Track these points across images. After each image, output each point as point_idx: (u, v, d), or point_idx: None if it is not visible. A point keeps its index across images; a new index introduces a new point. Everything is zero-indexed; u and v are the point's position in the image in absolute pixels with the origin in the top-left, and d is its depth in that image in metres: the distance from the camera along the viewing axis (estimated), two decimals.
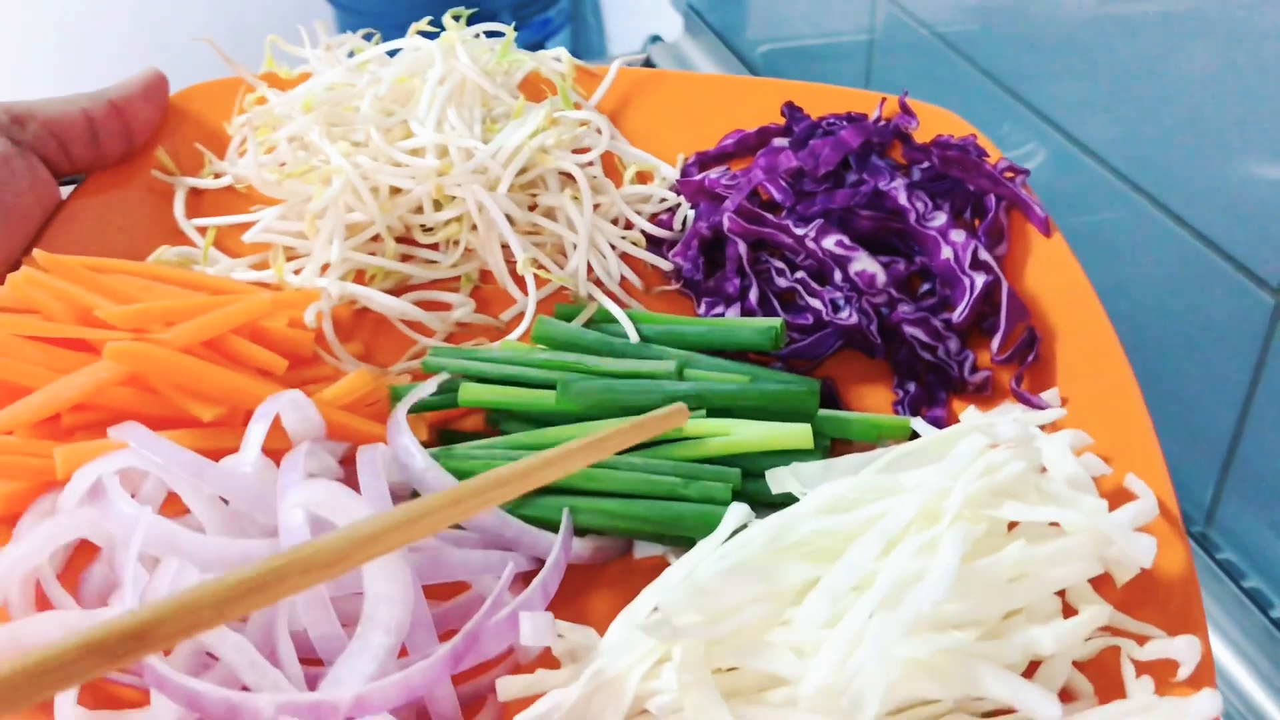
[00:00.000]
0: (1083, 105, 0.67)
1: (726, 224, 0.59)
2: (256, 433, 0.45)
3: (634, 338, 0.56)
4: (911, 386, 0.55)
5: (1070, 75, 0.67)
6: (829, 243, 0.57)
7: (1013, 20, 0.71)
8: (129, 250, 0.59)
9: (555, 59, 0.68)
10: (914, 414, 0.54)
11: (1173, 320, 0.64)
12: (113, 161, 0.62)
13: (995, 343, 0.55)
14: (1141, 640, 0.43)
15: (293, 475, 0.42)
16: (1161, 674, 0.42)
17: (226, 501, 0.44)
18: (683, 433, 0.50)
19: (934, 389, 0.55)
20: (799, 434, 0.49)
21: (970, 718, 0.41)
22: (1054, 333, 0.55)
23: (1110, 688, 0.43)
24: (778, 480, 0.48)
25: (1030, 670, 0.43)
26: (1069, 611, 0.44)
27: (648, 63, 1.17)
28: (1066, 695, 0.42)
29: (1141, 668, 0.43)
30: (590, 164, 0.63)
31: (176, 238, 0.61)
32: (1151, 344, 0.66)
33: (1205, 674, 0.42)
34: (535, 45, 1.61)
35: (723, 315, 0.58)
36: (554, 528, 0.47)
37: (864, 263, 0.56)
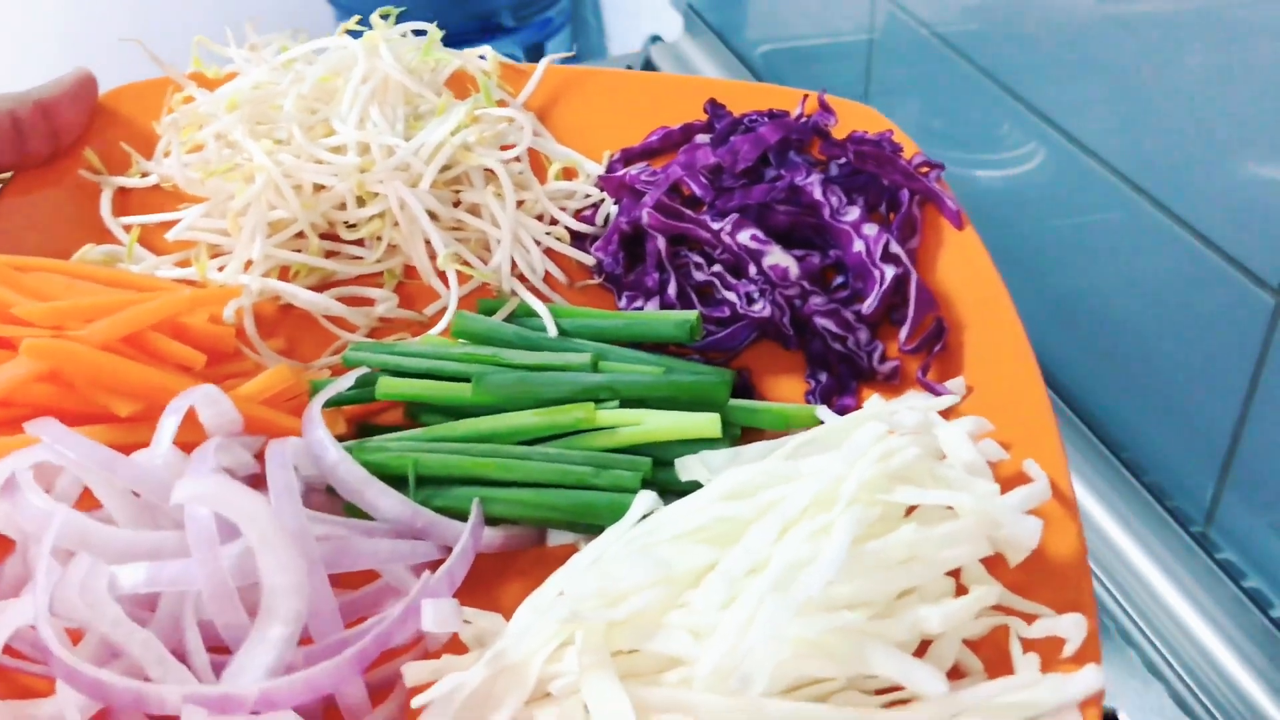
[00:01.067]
0: (1083, 105, 0.67)
1: (645, 219, 0.60)
2: (168, 426, 0.46)
3: (553, 331, 0.57)
4: (823, 376, 0.56)
5: (1070, 75, 0.67)
6: (744, 237, 0.58)
7: (1013, 20, 0.71)
8: (54, 249, 0.60)
9: (480, 56, 0.68)
10: (825, 403, 0.55)
11: (1173, 320, 0.64)
12: (39, 161, 0.63)
13: (904, 333, 0.56)
14: (1030, 619, 0.44)
15: (200, 469, 0.43)
16: (1051, 652, 0.44)
17: (139, 495, 0.45)
18: (595, 423, 0.51)
19: (845, 379, 0.56)
20: (707, 423, 0.50)
21: (862, 695, 0.42)
22: (963, 324, 0.57)
23: (1002, 665, 0.44)
24: (686, 468, 0.49)
25: (924, 649, 0.44)
26: (963, 592, 0.45)
27: (648, 63, 1.17)
28: (957, 673, 0.44)
29: (1031, 645, 0.44)
30: (514, 160, 0.64)
31: (103, 236, 0.62)
32: (1151, 344, 0.66)
33: (1090, 650, 0.43)
34: (535, 45, 1.63)
35: (642, 309, 0.59)
36: (466, 517, 0.48)
37: (777, 256, 0.58)
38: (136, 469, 0.44)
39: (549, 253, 0.62)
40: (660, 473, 0.50)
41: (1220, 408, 0.61)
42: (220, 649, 0.43)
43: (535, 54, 1.61)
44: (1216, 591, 0.63)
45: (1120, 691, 0.59)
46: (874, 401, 0.52)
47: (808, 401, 0.56)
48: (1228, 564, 0.63)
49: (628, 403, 0.52)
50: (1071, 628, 0.43)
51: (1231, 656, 0.61)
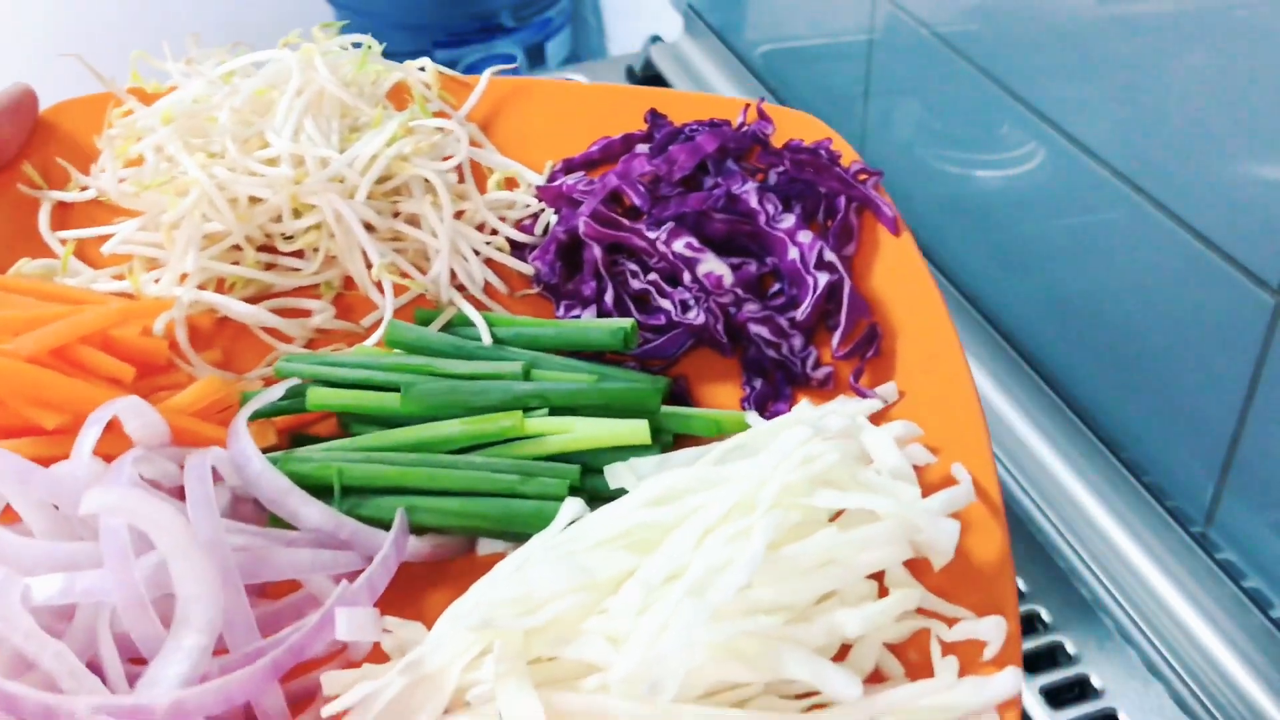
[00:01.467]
0: (1083, 105, 0.67)
1: (582, 228, 0.60)
2: (89, 437, 0.46)
3: (487, 340, 0.57)
4: (758, 383, 0.56)
5: (1070, 75, 0.67)
6: (679, 245, 0.58)
7: (1013, 20, 0.71)
8: None
9: (420, 68, 0.69)
10: (760, 409, 0.55)
11: (1173, 320, 0.63)
12: None
13: (836, 338, 0.56)
14: (951, 622, 0.44)
15: (115, 479, 0.43)
16: (973, 655, 0.44)
17: (58, 508, 0.45)
18: (524, 431, 0.51)
19: (779, 385, 0.56)
20: (636, 430, 0.50)
21: (782, 699, 0.42)
22: (896, 330, 0.57)
23: (925, 669, 0.44)
24: (615, 476, 0.49)
25: (846, 653, 0.44)
26: (887, 595, 0.45)
27: (648, 63, 1.17)
28: (879, 676, 0.44)
29: (952, 649, 0.44)
30: (453, 171, 0.64)
31: (41, 251, 0.62)
32: (1151, 344, 0.65)
33: (1010, 653, 0.43)
34: (536, 46, 1.62)
35: (579, 317, 0.59)
36: (390, 527, 0.48)
37: (711, 264, 0.58)
38: (51, 480, 0.44)
39: (489, 263, 0.63)
40: (591, 480, 0.50)
41: (1220, 408, 0.61)
42: (139, 661, 0.43)
43: (535, 54, 1.63)
44: (1216, 591, 0.63)
45: (1120, 691, 0.59)
46: (803, 406, 0.52)
47: (743, 408, 0.56)
48: (1228, 564, 0.63)
49: (559, 411, 0.52)
50: (992, 630, 0.43)
51: (1231, 656, 0.61)
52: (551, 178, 0.66)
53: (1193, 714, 0.59)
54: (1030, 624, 0.63)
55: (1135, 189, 0.63)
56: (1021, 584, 0.64)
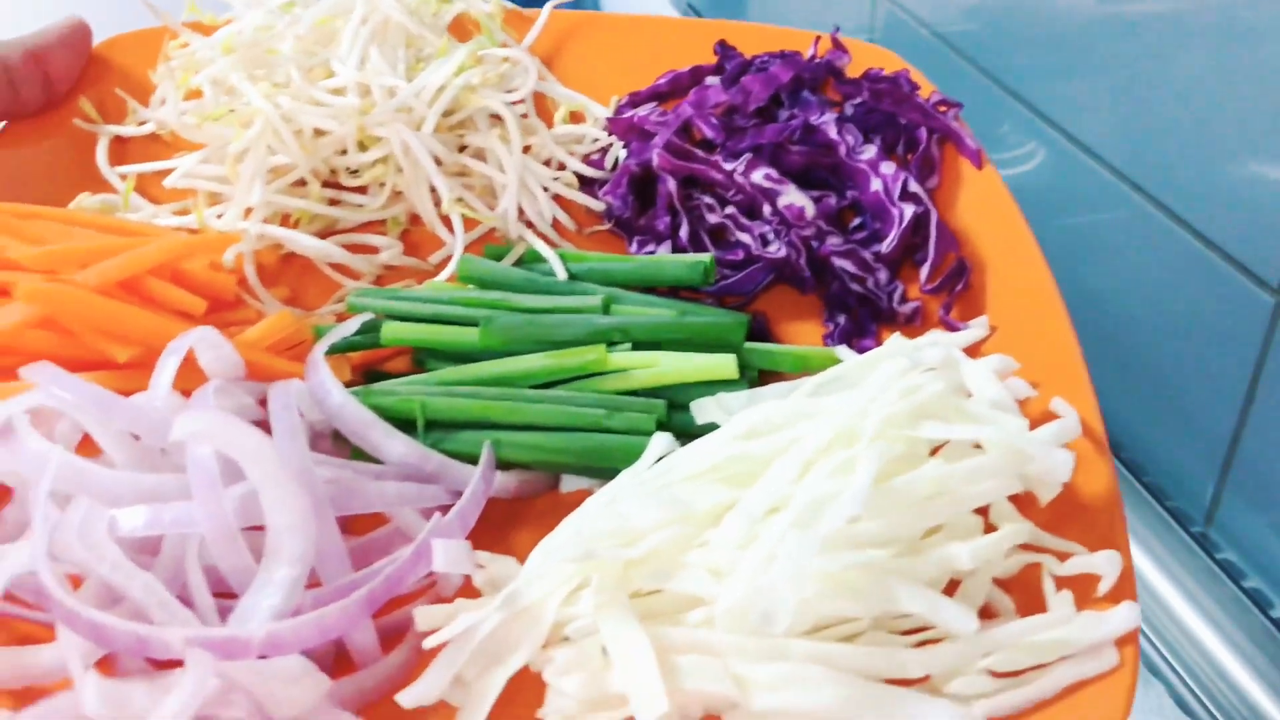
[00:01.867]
0: (1083, 105, 0.67)
1: (656, 160, 0.58)
2: (168, 367, 0.44)
3: (561, 275, 0.55)
4: (842, 319, 0.55)
5: (1070, 75, 0.67)
6: (757, 177, 0.57)
7: (1013, 20, 0.71)
8: (50, 200, 0.58)
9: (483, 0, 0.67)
10: (848, 343, 0.54)
11: (1173, 320, 0.64)
12: (32, 110, 0.61)
13: (924, 272, 0.55)
14: (1063, 557, 0.43)
15: (204, 402, 0.42)
16: (1085, 590, 0.42)
17: (139, 439, 0.44)
18: (608, 365, 0.49)
19: (864, 321, 0.54)
20: (724, 365, 0.48)
21: (890, 635, 0.41)
22: (985, 263, 0.55)
23: (1034, 606, 0.42)
24: (703, 411, 0.48)
25: (953, 589, 0.42)
26: (992, 531, 0.43)
27: None
28: (988, 612, 0.42)
29: (1064, 584, 0.42)
30: (519, 103, 0.62)
31: (99, 186, 0.60)
32: (1152, 344, 0.66)
33: (1125, 588, 0.42)
34: None
35: (654, 253, 0.58)
36: (476, 462, 0.46)
37: (792, 196, 0.56)
38: (135, 410, 0.43)
39: (557, 199, 0.61)
40: (675, 416, 0.49)
41: (1220, 408, 0.61)
42: (226, 594, 0.42)
43: None
44: (1216, 591, 0.62)
45: None
46: (895, 339, 0.51)
47: (826, 345, 0.54)
48: (1228, 564, 0.63)
49: (640, 346, 0.51)
50: (1106, 564, 0.42)
51: (1231, 656, 0.60)
52: (618, 111, 0.65)
53: (1193, 714, 0.59)
54: None
55: (1135, 189, 0.63)
56: None
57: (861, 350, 0.53)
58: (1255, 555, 0.62)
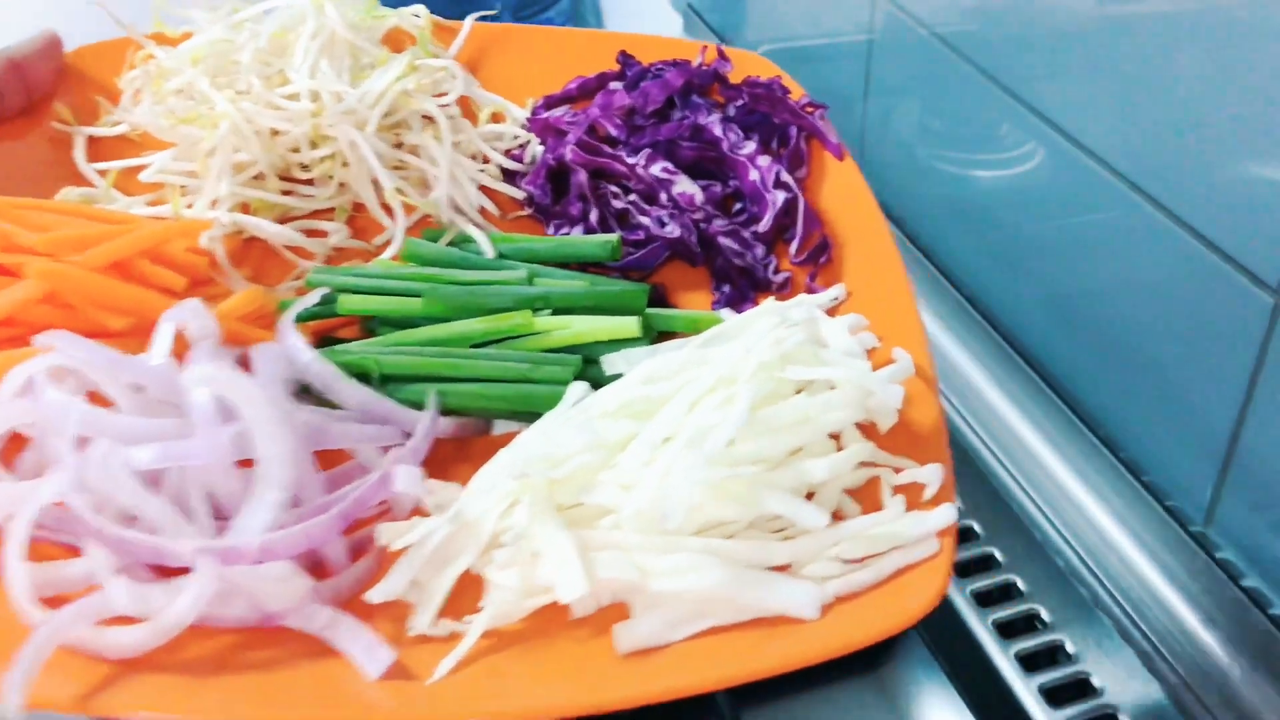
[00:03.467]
0: (1083, 105, 0.66)
1: (569, 155, 0.68)
2: (166, 331, 0.53)
3: (490, 253, 0.65)
4: (726, 288, 0.65)
5: (1070, 75, 0.67)
6: (655, 169, 0.67)
7: (1013, 20, 0.71)
8: (34, 193, 0.65)
9: (415, 15, 0.76)
10: (732, 308, 0.64)
11: (1173, 320, 0.63)
12: (13, 115, 0.69)
13: (793, 247, 0.65)
14: (898, 470, 0.54)
15: (200, 360, 0.51)
16: (914, 496, 0.53)
17: (142, 391, 0.53)
18: (532, 328, 0.59)
19: (745, 289, 0.65)
20: (628, 325, 0.58)
21: (761, 533, 0.51)
22: (843, 240, 0.66)
23: (874, 508, 0.53)
24: (611, 363, 0.58)
25: (811, 498, 0.53)
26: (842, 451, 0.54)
27: None
28: (839, 515, 0.53)
29: (899, 491, 0.53)
30: (448, 106, 0.71)
31: (78, 182, 0.68)
32: (1151, 344, 0.65)
33: (946, 493, 0.53)
34: None
35: (569, 234, 0.68)
36: (424, 409, 0.56)
37: (684, 185, 0.66)
38: (141, 365, 0.52)
39: (483, 189, 0.70)
40: (589, 369, 0.59)
41: (1220, 408, 0.61)
42: (220, 518, 0.51)
43: None
44: (1216, 591, 0.62)
45: (1120, 691, 0.59)
46: (769, 303, 0.61)
47: (714, 309, 0.65)
48: (1227, 564, 0.62)
49: (559, 311, 0.61)
50: (931, 475, 0.53)
51: (1231, 656, 0.61)
52: (534, 112, 0.74)
53: (1192, 714, 0.60)
54: (1030, 623, 0.63)
55: (1135, 189, 0.63)
56: (1021, 584, 0.64)
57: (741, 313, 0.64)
58: (1254, 555, 0.61)
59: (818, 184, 0.69)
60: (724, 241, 0.65)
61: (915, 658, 0.60)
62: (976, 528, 0.68)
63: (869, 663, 0.60)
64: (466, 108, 0.74)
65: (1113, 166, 0.64)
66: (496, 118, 0.74)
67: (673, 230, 0.66)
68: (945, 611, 0.62)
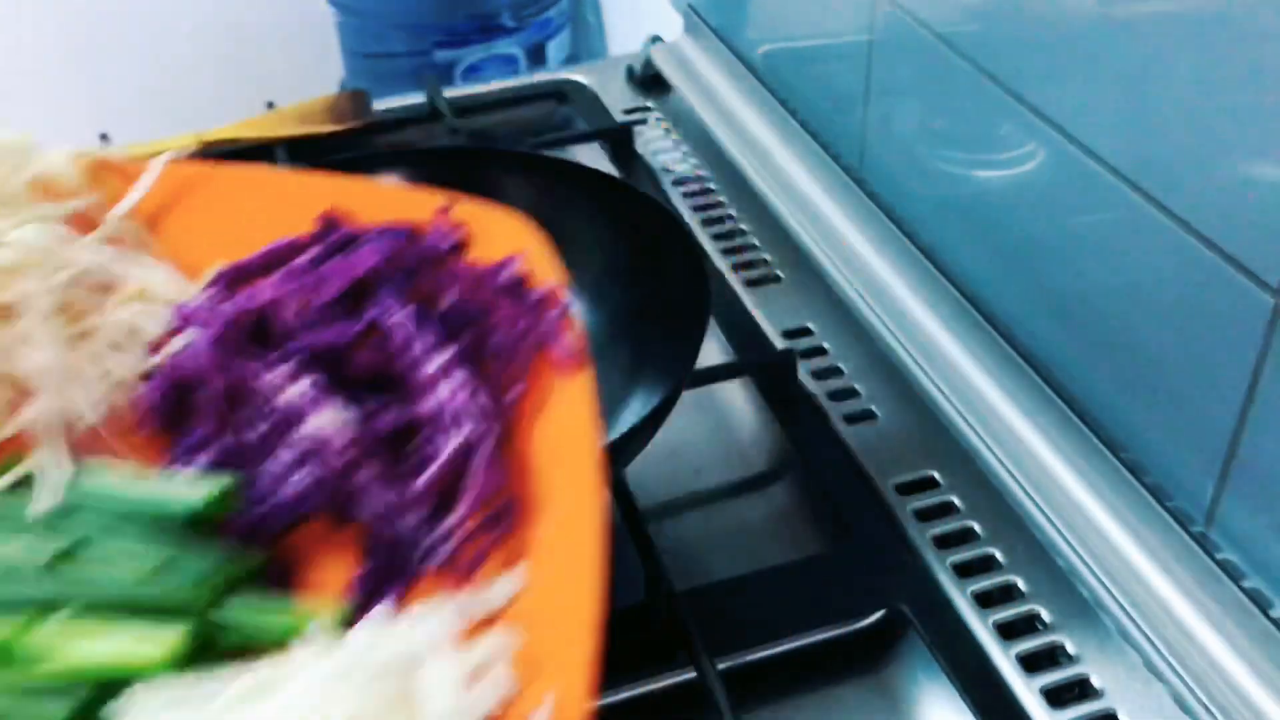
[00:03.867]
0: (1083, 105, 0.66)
1: (192, 360, 0.51)
2: None
3: (42, 505, 0.47)
4: (371, 562, 0.47)
5: (1070, 75, 0.66)
6: (294, 390, 0.49)
7: (1013, 21, 0.70)
8: None
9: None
10: (376, 590, 0.46)
11: (1173, 320, 0.62)
12: None
13: (463, 509, 0.47)
14: None
15: None
16: None
17: None
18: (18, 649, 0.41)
19: (396, 567, 0.47)
20: (149, 652, 0.40)
21: None
22: (543, 498, 0.47)
23: None
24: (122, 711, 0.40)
25: None
26: None
27: (648, 63, 1.15)
28: None
29: None
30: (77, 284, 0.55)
31: None
32: (1151, 344, 0.64)
33: None
34: (536, 46, 1.63)
35: (191, 465, 0.50)
36: None
37: (325, 418, 0.48)
38: None
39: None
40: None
41: (1220, 408, 0.60)
42: None
43: (536, 54, 1.66)
44: (1217, 592, 0.61)
45: (1120, 692, 0.59)
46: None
47: (354, 589, 0.47)
48: (1228, 564, 0.61)
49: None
50: None
51: (1231, 656, 0.58)
52: (209, 285, 0.57)
53: (1193, 714, 0.57)
54: (1030, 624, 0.62)
55: (1135, 189, 0.62)
56: (1022, 584, 0.64)
57: (388, 597, 0.46)
58: (1255, 555, 0.60)
59: (534, 410, 0.50)
60: (368, 501, 0.47)
61: (915, 658, 0.60)
62: (977, 528, 0.67)
63: (869, 663, 0.61)
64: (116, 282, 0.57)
65: (1113, 166, 0.64)
66: (146, 297, 0.57)
67: (299, 482, 0.48)
68: (945, 612, 0.62)
